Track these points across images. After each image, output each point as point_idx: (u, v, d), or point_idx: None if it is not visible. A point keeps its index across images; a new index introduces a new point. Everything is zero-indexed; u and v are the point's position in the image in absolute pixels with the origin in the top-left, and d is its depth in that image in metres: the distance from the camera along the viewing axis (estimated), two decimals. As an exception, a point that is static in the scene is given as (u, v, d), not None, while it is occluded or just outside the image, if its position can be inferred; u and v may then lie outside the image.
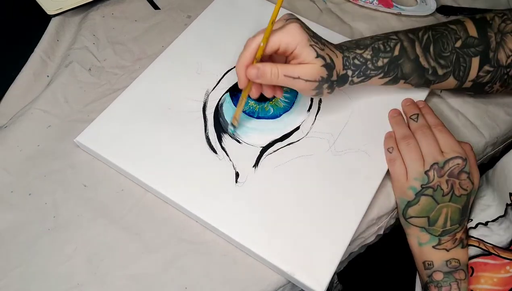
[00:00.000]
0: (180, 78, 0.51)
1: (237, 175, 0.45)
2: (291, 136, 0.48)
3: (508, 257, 0.40)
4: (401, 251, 0.57)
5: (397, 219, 0.48)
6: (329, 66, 0.43)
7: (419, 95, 0.50)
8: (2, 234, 0.43)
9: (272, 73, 0.41)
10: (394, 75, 0.46)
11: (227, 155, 0.46)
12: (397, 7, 0.60)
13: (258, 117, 0.49)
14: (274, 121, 0.49)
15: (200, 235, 0.43)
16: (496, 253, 0.40)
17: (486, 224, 0.43)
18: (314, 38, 0.42)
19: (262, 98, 0.50)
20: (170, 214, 0.44)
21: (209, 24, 0.56)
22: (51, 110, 0.49)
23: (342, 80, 0.45)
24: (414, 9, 0.60)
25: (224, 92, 0.50)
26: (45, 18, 0.56)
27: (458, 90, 0.50)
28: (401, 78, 0.47)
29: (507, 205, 0.42)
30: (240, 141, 0.47)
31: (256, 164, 0.46)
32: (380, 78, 0.46)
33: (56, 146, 0.47)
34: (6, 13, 0.58)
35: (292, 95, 0.51)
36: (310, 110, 0.50)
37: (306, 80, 0.42)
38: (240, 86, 0.44)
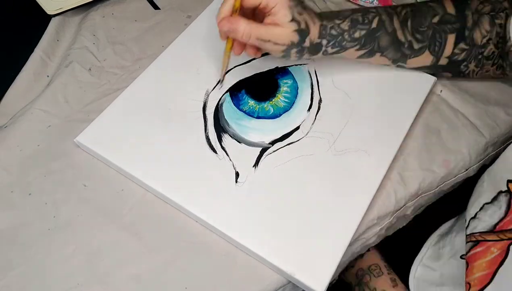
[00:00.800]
0: (180, 78, 0.51)
1: (237, 174, 0.45)
2: (291, 136, 0.48)
3: (492, 239, 0.40)
4: (400, 250, 0.57)
5: (397, 219, 0.49)
6: (302, 32, 0.43)
7: (419, 95, 0.50)
8: (2, 234, 0.43)
9: (245, 32, 0.42)
10: (370, 48, 0.47)
11: (227, 155, 0.46)
12: (397, 7, 0.60)
13: (258, 117, 0.49)
14: (274, 121, 0.49)
15: (200, 235, 0.43)
16: (482, 239, 0.41)
17: (475, 216, 0.44)
18: (295, 0, 0.42)
19: (262, 98, 0.50)
20: (170, 214, 0.44)
21: (209, 24, 0.56)
22: (51, 110, 0.50)
23: (315, 48, 0.45)
24: (414, 9, 0.60)
25: (224, 92, 0.50)
26: (45, 18, 0.56)
27: (436, 70, 0.50)
28: (377, 51, 0.47)
29: (500, 192, 0.42)
30: (240, 141, 0.47)
31: (256, 164, 0.46)
32: (356, 50, 0.47)
33: (56, 146, 0.47)
34: (6, 13, 0.58)
35: (292, 95, 0.51)
36: (310, 110, 0.50)
37: (275, 43, 0.43)
38: (221, 38, 0.45)
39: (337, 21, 0.45)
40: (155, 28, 0.57)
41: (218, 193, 0.44)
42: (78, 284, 0.40)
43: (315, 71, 0.52)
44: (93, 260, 0.41)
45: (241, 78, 0.51)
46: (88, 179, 0.46)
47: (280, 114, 0.49)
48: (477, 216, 0.43)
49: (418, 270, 0.53)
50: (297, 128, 0.48)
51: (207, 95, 0.50)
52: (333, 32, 0.45)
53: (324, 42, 0.45)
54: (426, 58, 0.48)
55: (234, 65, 0.52)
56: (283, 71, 0.52)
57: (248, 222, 0.42)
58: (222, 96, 0.50)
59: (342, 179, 0.45)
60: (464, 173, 0.50)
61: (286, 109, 0.50)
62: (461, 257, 0.48)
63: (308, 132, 0.48)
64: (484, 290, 0.39)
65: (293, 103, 0.50)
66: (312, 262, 0.41)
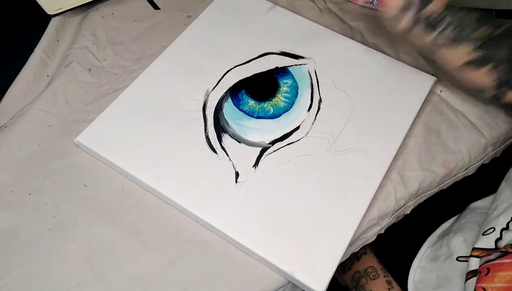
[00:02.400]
0: (180, 78, 0.51)
1: (237, 174, 0.45)
2: (291, 136, 0.48)
3: None
4: (398, 252, 0.57)
5: (397, 219, 0.49)
6: None
7: (419, 95, 0.50)
8: (2, 234, 0.43)
9: None
10: (487, 54, 0.41)
11: (227, 155, 0.46)
12: (397, 7, 0.60)
13: (258, 117, 0.49)
14: (274, 121, 0.49)
15: (200, 235, 0.43)
16: (511, 251, 0.40)
17: (507, 226, 0.42)
18: None
19: (262, 98, 0.50)
20: (170, 214, 0.44)
21: (209, 24, 0.56)
22: (51, 110, 0.50)
23: (432, 24, 0.40)
24: (414, 9, 0.60)
25: (224, 92, 0.50)
26: (45, 18, 0.56)
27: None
28: (490, 62, 0.42)
29: None
30: (240, 141, 0.47)
31: (256, 164, 0.46)
32: (472, 49, 0.41)
33: (56, 146, 0.47)
34: (6, 13, 0.58)
35: (292, 95, 0.51)
36: (310, 110, 0.50)
37: None
38: None
39: (464, 11, 0.40)
40: (155, 28, 0.57)
41: (218, 193, 0.44)
42: (78, 284, 0.40)
43: (315, 71, 0.52)
44: (93, 260, 0.41)
45: (241, 78, 0.51)
46: (88, 179, 0.46)
47: (280, 114, 0.49)
48: (509, 226, 0.42)
49: (416, 273, 0.52)
50: (297, 128, 0.48)
51: (207, 95, 0.50)
52: (459, 14, 0.40)
53: (447, 20, 0.40)
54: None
55: (234, 65, 0.52)
56: (283, 71, 0.52)
57: (248, 222, 0.42)
58: (222, 96, 0.50)
59: (342, 179, 0.45)
60: (464, 172, 0.50)
61: (286, 109, 0.50)
62: (457, 259, 0.47)
63: (308, 132, 0.48)
64: None
65: (293, 103, 0.50)
66: (312, 262, 0.41)
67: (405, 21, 0.41)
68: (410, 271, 0.53)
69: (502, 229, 0.42)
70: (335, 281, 0.60)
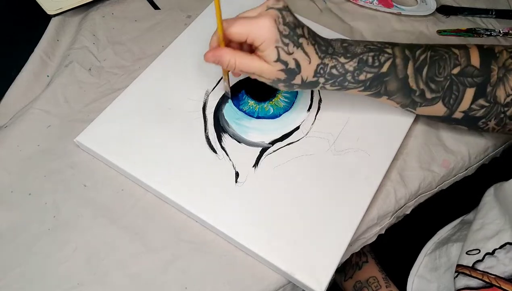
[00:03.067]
0: (180, 78, 0.51)
1: (237, 174, 0.45)
2: (291, 136, 0.48)
3: (509, 290, 0.39)
4: (397, 256, 0.57)
5: (397, 219, 0.49)
6: (290, 71, 0.41)
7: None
8: (2, 234, 0.43)
9: (230, 63, 0.41)
10: (376, 91, 0.44)
11: (227, 155, 0.46)
12: (397, 7, 0.60)
13: (258, 117, 0.49)
14: (274, 121, 0.49)
15: (200, 235, 0.43)
16: (497, 285, 0.39)
17: (493, 252, 0.41)
18: (287, 38, 0.39)
19: (262, 98, 0.50)
20: (170, 214, 0.44)
21: (209, 24, 0.55)
22: (51, 110, 0.49)
23: (310, 85, 0.43)
24: (414, 9, 0.60)
25: (224, 92, 0.50)
26: (45, 18, 0.56)
27: (450, 123, 0.47)
28: (384, 95, 0.44)
29: None
30: (240, 141, 0.47)
31: (256, 164, 0.46)
32: (359, 91, 0.44)
33: (56, 146, 0.47)
34: (6, 13, 0.58)
35: (292, 95, 0.51)
36: (310, 110, 0.50)
37: (260, 76, 0.42)
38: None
39: (343, 60, 0.42)
40: (155, 28, 0.57)
41: (218, 193, 0.44)
42: (78, 284, 0.40)
43: (315, 71, 0.52)
44: (93, 260, 0.41)
45: (241, 78, 0.51)
46: (88, 179, 0.46)
47: (280, 114, 0.49)
48: (495, 253, 0.41)
49: (415, 282, 0.52)
50: (297, 128, 0.48)
51: (207, 95, 0.50)
52: (334, 71, 0.42)
53: (322, 80, 0.42)
54: (438, 109, 0.44)
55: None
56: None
57: (248, 222, 0.42)
58: (222, 96, 0.50)
59: (342, 179, 0.45)
60: (464, 172, 0.50)
61: (286, 109, 0.50)
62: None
63: (308, 132, 0.48)
64: None
65: (293, 103, 0.50)
66: (312, 262, 0.41)
67: (281, 87, 0.43)
68: (409, 279, 0.52)
69: (487, 253, 0.42)
70: (337, 287, 0.60)
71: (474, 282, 0.41)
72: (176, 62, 0.52)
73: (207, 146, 0.46)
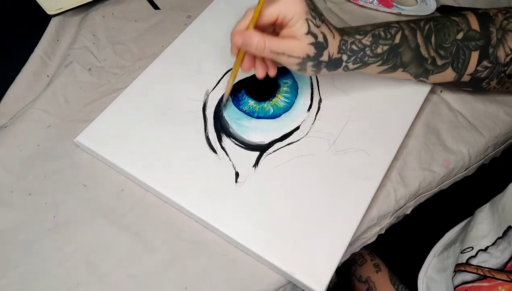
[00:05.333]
0: (180, 78, 0.51)
1: (237, 174, 0.45)
2: (291, 136, 0.48)
3: (501, 278, 0.40)
4: (405, 258, 0.57)
5: (397, 219, 0.49)
6: (319, 45, 0.41)
7: (420, 95, 0.50)
8: (2, 234, 0.43)
9: (258, 45, 0.40)
10: (393, 63, 0.46)
11: (227, 155, 0.46)
12: (397, 7, 0.60)
13: (258, 117, 0.49)
14: (274, 121, 0.49)
15: (200, 235, 0.43)
16: (491, 276, 0.41)
17: (486, 249, 0.43)
18: (314, 12, 0.41)
19: (262, 98, 0.50)
20: (170, 214, 0.44)
21: (209, 24, 0.56)
22: (51, 110, 0.50)
23: (335, 64, 0.44)
24: (414, 9, 0.60)
25: (224, 92, 0.50)
26: (45, 18, 0.56)
27: (458, 86, 0.49)
28: (400, 67, 0.46)
29: (509, 227, 0.41)
30: (240, 141, 0.47)
31: (256, 164, 0.46)
32: (378, 65, 0.45)
33: (56, 146, 0.47)
34: (6, 13, 0.58)
35: (292, 95, 0.51)
36: (310, 110, 0.50)
37: (289, 56, 0.41)
38: (231, 52, 0.44)
39: (358, 36, 0.44)
40: (155, 28, 0.57)
41: (218, 193, 0.44)
42: (78, 284, 0.40)
43: (315, 71, 0.52)
44: (93, 260, 0.41)
45: (241, 78, 0.51)
46: (88, 179, 0.46)
47: (280, 114, 0.49)
48: (488, 250, 0.43)
49: (424, 283, 0.52)
50: (297, 128, 0.48)
51: (207, 95, 0.50)
52: (354, 47, 0.43)
53: (345, 57, 0.44)
54: (448, 75, 0.47)
55: (234, 65, 0.52)
56: (283, 71, 0.52)
57: (248, 222, 0.42)
58: (222, 96, 0.50)
59: (342, 179, 0.45)
60: (464, 172, 0.50)
61: (286, 109, 0.50)
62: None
63: (308, 132, 0.48)
64: None
65: (293, 103, 0.50)
66: (312, 262, 0.41)
67: (309, 69, 0.43)
68: (418, 280, 0.52)
69: (480, 250, 0.43)
70: (339, 285, 0.60)
71: (469, 276, 0.42)
72: (176, 62, 0.52)
73: (207, 146, 0.46)
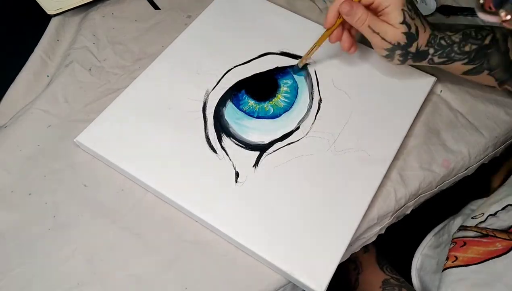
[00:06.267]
0: (180, 78, 0.51)
1: (237, 174, 0.45)
2: (291, 136, 0.48)
3: (502, 237, 0.41)
4: (399, 247, 0.57)
5: (397, 219, 0.48)
6: (410, 36, 0.44)
7: (419, 95, 0.51)
8: (2, 234, 0.43)
9: (361, 17, 0.43)
10: (479, 64, 0.46)
11: (227, 155, 0.46)
12: (397, 7, 0.60)
13: (258, 117, 0.49)
14: (274, 121, 0.49)
15: (200, 235, 0.43)
16: (493, 234, 0.42)
17: (495, 214, 0.44)
18: (410, 4, 0.43)
19: (262, 98, 0.50)
20: (170, 214, 0.44)
21: (209, 24, 0.56)
22: (51, 110, 0.50)
23: (421, 55, 0.46)
24: (414, 9, 0.60)
25: (224, 92, 0.50)
26: (45, 18, 0.56)
27: None
28: (486, 69, 0.46)
29: None
30: (240, 141, 0.47)
31: (256, 164, 0.46)
32: (463, 64, 0.46)
33: (56, 146, 0.47)
34: (6, 13, 0.58)
35: (292, 95, 0.51)
36: (310, 110, 0.50)
37: (382, 38, 0.44)
38: (326, 25, 0.46)
39: (449, 33, 0.45)
40: (155, 28, 0.57)
41: (218, 192, 0.44)
42: (78, 284, 0.40)
43: (315, 71, 0.52)
44: (93, 260, 0.41)
45: (241, 78, 0.51)
46: (88, 179, 0.46)
47: (280, 114, 0.49)
48: (497, 214, 0.43)
49: (419, 260, 0.54)
50: (297, 128, 0.48)
51: (207, 95, 0.50)
52: (443, 42, 0.45)
53: (431, 50, 0.45)
54: None
55: (234, 65, 0.52)
56: (283, 71, 0.52)
57: (248, 222, 0.42)
58: (222, 96, 0.50)
59: (342, 179, 0.45)
60: (464, 172, 0.50)
61: (286, 109, 0.50)
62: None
63: (308, 132, 0.48)
64: (468, 267, 0.40)
65: (293, 103, 0.50)
66: (312, 262, 0.41)
67: (397, 57, 0.46)
68: (413, 258, 0.54)
69: (490, 215, 0.44)
70: (340, 283, 0.60)
71: (471, 233, 0.43)
72: (176, 62, 0.52)
73: (207, 145, 0.46)
